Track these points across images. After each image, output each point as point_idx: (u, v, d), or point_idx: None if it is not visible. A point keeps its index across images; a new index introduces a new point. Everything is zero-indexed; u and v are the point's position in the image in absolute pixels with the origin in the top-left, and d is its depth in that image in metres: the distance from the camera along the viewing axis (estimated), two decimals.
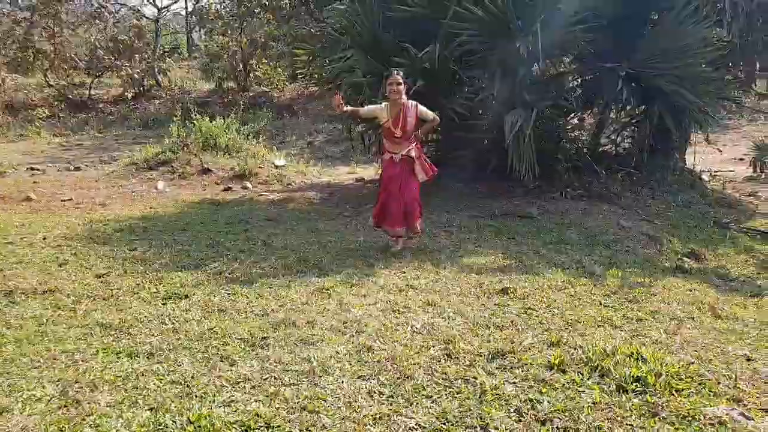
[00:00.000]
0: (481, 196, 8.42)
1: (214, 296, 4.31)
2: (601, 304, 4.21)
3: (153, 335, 3.56)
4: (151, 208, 8.32)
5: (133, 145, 15.20)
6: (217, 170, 10.72)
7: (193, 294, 4.35)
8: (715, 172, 11.24)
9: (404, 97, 5.48)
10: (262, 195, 9.45)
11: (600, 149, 9.78)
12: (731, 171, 11.56)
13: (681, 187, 9.11)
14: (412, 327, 3.68)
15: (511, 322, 3.78)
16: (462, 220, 7.20)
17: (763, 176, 10.95)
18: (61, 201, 8.50)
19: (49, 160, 12.75)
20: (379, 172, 11.23)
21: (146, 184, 10.13)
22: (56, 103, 18.69)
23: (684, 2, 7.72)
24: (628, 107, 7.88)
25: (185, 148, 11.21)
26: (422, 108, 5.60)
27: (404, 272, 4.96)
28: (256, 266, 5.16)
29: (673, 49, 7.64)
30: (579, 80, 8.44)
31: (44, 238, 6.08)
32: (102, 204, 8.45)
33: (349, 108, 5.63)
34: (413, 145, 5.62)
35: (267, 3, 21.62)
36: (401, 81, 5.43)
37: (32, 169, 11.35)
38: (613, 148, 9.90)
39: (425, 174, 5.63)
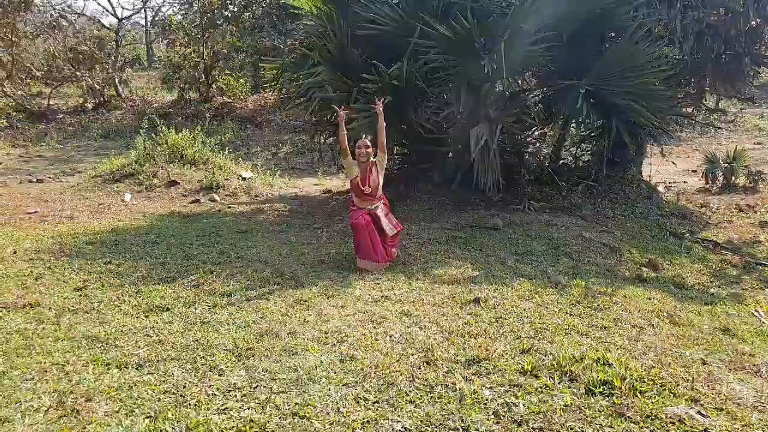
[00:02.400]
0: (448, 209, 8.66)
1: (195, 308, 4.40)
2: (567, 312, 4.46)
3: (140, 347, 3.64)
4: (119, 220, 8.30)
5: (95, 156, 15.03)
6: (184, 182, 10.71)
7: (174, 306, 4.43)
8: (669, 183, 11.79)
9: (371, 158, 5.88)
10: (230, 207, 9.50)
11: (560, 162, 10.17)
12: (685, 182, 12.11)
13: (638, 199, 9.53)
14: (390, 336, 3.85)
15: (484, 330, 3.98)
16: (431, 231, 7.41)
17: (714, 188, 11.56)
18: (27, 214, 8.40)
19: (10, 172, 12.52)
20: (345, 183, 11.55)
21: (113, 196, 10.06)
22: (14, 113, 18.27)
23: (638, 23, 8.17)
24: (588, 122, 8.25)
25: (151, 160, 11.16)
26: (377, 159, 5.96)
27: (378, 283, 5.13)
28: (232, 279, 5.26)
29: (628, 68, 8.05)
30: (540, 96, 8.79)
31: (14, 252, 6.04)
32: (69, 217, 8.38)
33: (342, 133, 6.00)
34: (380, 203, 6.01)
35: (230, 14, 21.65)
36: (369, 144, 5.89)
37: None
38: (573, 161, 10.31)
39: (394, 228, 5.97)
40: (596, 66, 8.24)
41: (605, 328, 4.14)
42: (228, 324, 4.06)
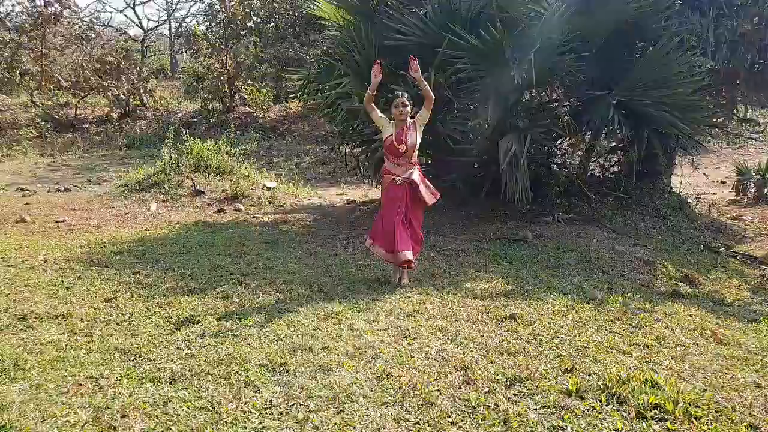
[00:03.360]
0: (475, 220, 8.55)
1: (226, 321, 4.34)
2: (606, 329, 4.32)
3: (172, 360, 3.58)
4: (146, 230, 8.31)
5: (120, 165, 15.17)
6: (209, 192, 10.73)
7: (205, 319, 4.38)
8: (698, 195, 11.55)
9: (409, 119, 5.57)
10: (255, 217, 9.48)
11: (588, 173, 10.01)
12: (714, 194, 11.86)
13: (670, 211, 9.33)
14: (426, 353, 3.75)
15: (523, 348, 3.86)
16: (458, 243, 7.30)
17: (746, 200, 11.30)
18: (55, 222, 8.45)
19: (38, 181, 12.66)
20: (368, 193, 11.50)
21: (139, 205, 10.10)
22: (42, 123, 18.55)
23: (670, 33, 8.03)
24: (619, 133, 8.10)
25: (177, 170, 11.21)
26: (418, 116, 5.56)
27: (409, 297, 5.03)
28: (261, 291, 5.20)
29: (661, 78, 7.89)
30: (569, 106, 8.65)
31: (45, 261, 6.05)
32: (96, 226, 8.41)
33: (373, 92, 5.52)
34: (416, 168, 5.61)
35: (253, 25, 21.83)
36: (407, 103, 5.46)
37: (22, 189, 11.26)
38: (601, 173, 10.14)
39: (433, 197, 5.60)
40: (627, 76, 8.09)
41: (648, 346, 4.00)
42: (260, 338, 3.99)
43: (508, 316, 4.47)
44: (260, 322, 4.30)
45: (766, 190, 11.15)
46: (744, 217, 10.07)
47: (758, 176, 11.28)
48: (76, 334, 3.98)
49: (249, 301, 4.88)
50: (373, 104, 5.57)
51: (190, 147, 11.62)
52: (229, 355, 3.67)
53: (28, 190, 11.27)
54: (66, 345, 3.77)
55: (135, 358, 3.61)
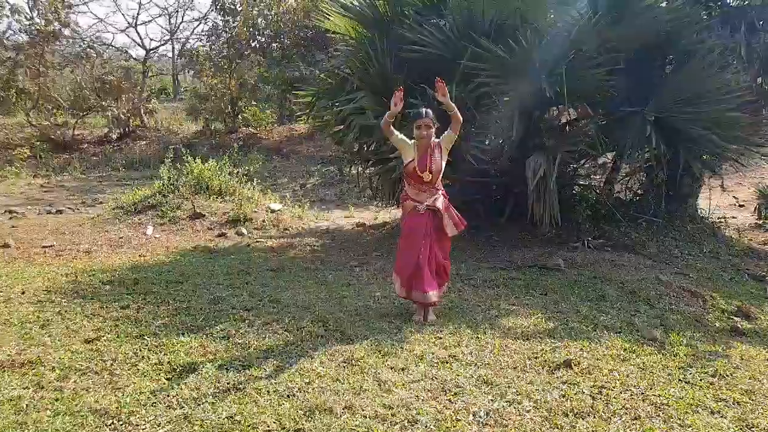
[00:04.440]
0: (498, 245, 7.88)
1: (227, 369, 3.65)
2: (681, 380, 3.63)
3: (160, 425, 2.89)
4: (140, 256, 7.65)
5: (117, 186, 14.57)
6: (210, 215, 10.07)
7: (202, 366, 3.69)
8: (718, 218, 10.89)
9: (434, 139, 4.94)
10: (259, 242, 8.82)
11: (615, 195, 9.37)
12: (734, 217, 11.21)
13: (703, 236, 8.67)
14: (474, 414, 3.06)
15: (591, 407, 3.17)
16: (484, 272, 6.63)
17: None
18: (42, 247, 7.78)
19: (29, 203, 12.02)
20: (378, 216, 10.84)
21: (134, 229, 9.43)
22: (38, 143, 17.98)
23: (708, 47, 7.47)
24: (656, 153, 7.45)
25: (176, 191, 10.57)
26: (444, 137, 4.89)
27: (440, 337, 4.34)
28: (268, 329, 4.52)
29: (698, 94, 7.30)
30: (598, 124, 8.03)
31: (23, 293, 5.38)
32: (87, 251, 7.75)
33: (392, 119, 4.88)
34: (440, 193, 4.96)
35: (257, 45, 21.42)
36: (431, 124, 4.79)
37: (11, 211, 10.62)
38: (626, 195, 9.50)
39: (456, 228, 4.93)
40: (660, 92, 7.50)
41: (739, 403, 3.30)
42: (268, 393, 3.30)
43: (562, 363, 3.77)
44: (268, 372, 3.61)
45: None
46: None
47: None
48: (43, 388, 3.28)
49: (254, 342, 4.20)
50: (391, 127, 4.93)
51: (190, 167, 10.99)
52: (232, 417, 2.98)
53: (16, 212, 10.62)
54: (28, 405, 3.07)
55: (113, 422, 2.91)
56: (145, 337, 4.22)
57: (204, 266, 6.99)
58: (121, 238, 8.86)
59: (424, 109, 4.90)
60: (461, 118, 4.85)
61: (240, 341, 4.23)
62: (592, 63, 7.06)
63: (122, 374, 3.54)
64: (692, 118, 7.31)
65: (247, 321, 4.74)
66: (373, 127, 7.41)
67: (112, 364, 3.69)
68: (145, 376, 3.53)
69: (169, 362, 3.74)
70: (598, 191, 8.96)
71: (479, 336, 4.38)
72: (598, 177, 9.79)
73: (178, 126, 22.42)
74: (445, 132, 4.92)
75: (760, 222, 10.82)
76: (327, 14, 8.93)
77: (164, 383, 3.42)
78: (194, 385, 3.39)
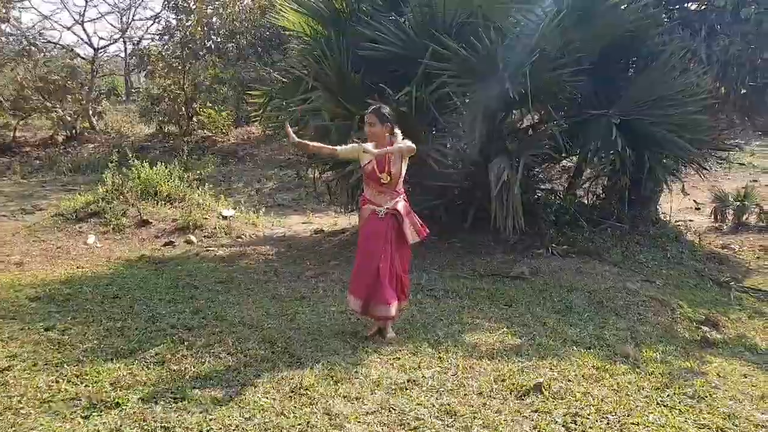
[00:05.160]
0: (460, 252, 7.57)
1: (156, 403, 3.20)
2: (659, 403, 3.34)
3: None
4: (78, 267, 7.09)
5: (62, 192, 13.77)
6: (157, 222, 9.50)
7: (127, 400, 3.22)
8: (677, 221, 10.85)
9: (390, 137, 4.53)
10: (209, 250, 8.31)
11: (576, 200, 9.17)
12: (690, 220, 11.19)
13: (667, 241, 8.54)
14: None
15: None
16: (445, 281, 6.30)
17: (724, 227, 10.70)
18: None
19: None
20: (338, 221, 10.42)
21: (74, 238, 8.80)
22: None
23: (672, 49, 7.34)
24: (620, 155, 7.24)
25: (121, 197, 9.95)
26: (401, 146, 4.49)
27: (399, 358, 3.96)
28: (208, 352, 4.07)
29: (663, 96, 7.16)
30: (563, 126, 7.79)
31: None
32: (18, 263, 7.12)
33: (311, 143, 4.72)
34: (401, 197, 4.59)
35: (213, 45, 20.74)
36: (374, 121, 4.44)
37: None
38: (588, 199, 9.32)
39: (418, 234, 4.56)
40: (624, 94, 7.33)
41: (722, 430, 3.02)
42: None
43: (531, 387, 3.43)
44: (203, 404, 3.18)
45: (745, 217, 10.62)
46: (731, 246, 9.42)
47: (737, 203, 10.76)
48: None
49: (191, 368, 3.74)
50: (316, 145, 4.87)
51: (137, 172, 10.38)
52: None
53: None
54: None
55: None
56: (66, 365, 3.72)
57: (147, 279, 6.49)
58: (59, 248, 8.24)
59: (372, 106, 4.63)
60: (414, 148, 4.54)
61: (176, 367, 3.77)
62: (557, 63, 6.83)
63: (29, 414, 3.05)
64: (657, 121, 7.15)
65: (186, 342, 4.28)
66: (329, 128, 7.02)
67: (18, 401, 3.19)
68: (57, 414, 3.05)
69: (89, 396, 3.26)
70: (561, 196, 8.75)
71: (441, 356, 4.02)
72: (560, 181, 9.62)
73: (130, 128, 21.53)
74: (403, 140, 4.55)
75: (716, 225, 10.84)
76: (281, 11, 8.50)
77: (78, 424, 2.95)
78: (115, 425, 2.93)
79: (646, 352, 4.28)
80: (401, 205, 4.52)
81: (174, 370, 3.71)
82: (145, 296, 5.70)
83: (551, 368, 3.82)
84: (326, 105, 7.07)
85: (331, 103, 7.03)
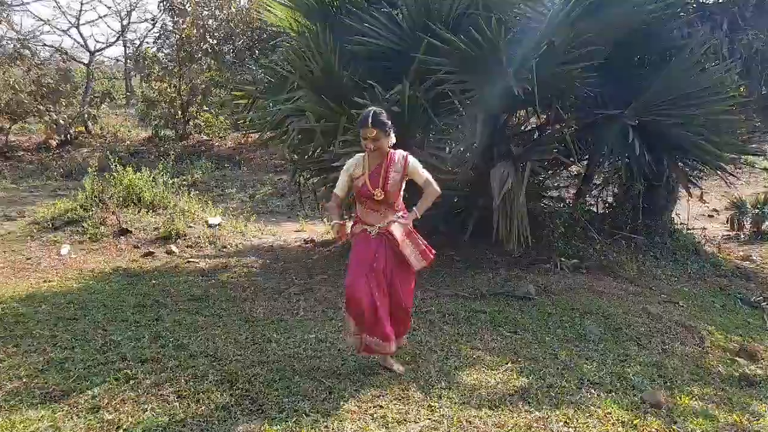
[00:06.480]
0: (460, 268, 6.90)
1: None
2: None
3: None
4: (45, 281, 6.51)
5: (51, 198, 13.12)
6: (138, 231, 8.85)
7: None
8: (689, 230, 10.15)
9: (390, 148, 3.80)
10: (190, 262, 7.68)
11: (586, 209, 8.47)
12: (704, 228, 10.50)
13: (685, 254, 7.87)
14: None
15: None
16: (442, 302, 5.63)
17: (742, 235, 10.04)
18: None
19: None
20: (330, 231, 9.76)
21: (48, 248, 8.17)
22: None
23: (695, 43, 6.64)
24: (637, 160, 6.54)
25: (100, 204, 9.32)
26: (413, 163, 3.84)
27: (381, 406, 3.29)
28: (155, 395, 3.41)
29: (686, 95, 6.44)
30: (573, 129, 7.10)
31: None
32: None
33: (342, 222, 3.90)
34: (399, 214, 3.85)
35: (209, 48, 20.17)
36: (379, 136, 3.66)
37: None
38: (598, 208, 8.63)
39: (423, 258, 3.87)
40: (641, 92, 6.60)
41: None
42: None
43: None
44: None
45: (764, 225, 9.99)
46: (752, 257, 8.74)
47: (756, 210, 10.09)
48: None
49: (127, 419, 3.09)
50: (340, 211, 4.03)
51: (119, 177, 9.76)
52: None
53: None
54: None
55: None
56: None
57: (114, 295, 5.89)
58: (29, 259, 7.64)
59: (368, 114, 3.73)
60: (438, 192, 3.93)
61: (110, 417, 3.12)
62: (566, 58, 6.13)
63: None
64: (680, 122, 6.45)
65: (133, 381, 3.64)
66: (313, 131, 6.36)
67: None
68: None
69: None
70: (570, 204, 8.05)
71: (432, 404, 3.33)
72: (568, 188, 8.93)
73: (126, 133, 20.98)
74: (419, 170, 3.88)
75: (733, 234, 10.16)
76: (269, 6, 7.88)
77: None
78: None
79: (679, 397, 3.58)
80: (396, 226, 3.79)
81: (106, 422, 3.06)
82: (105, 318, 5.09)
83: (566, 422, 3.13)
84: (310, 105, 6.40)
85: (316, 103, 6.37)
